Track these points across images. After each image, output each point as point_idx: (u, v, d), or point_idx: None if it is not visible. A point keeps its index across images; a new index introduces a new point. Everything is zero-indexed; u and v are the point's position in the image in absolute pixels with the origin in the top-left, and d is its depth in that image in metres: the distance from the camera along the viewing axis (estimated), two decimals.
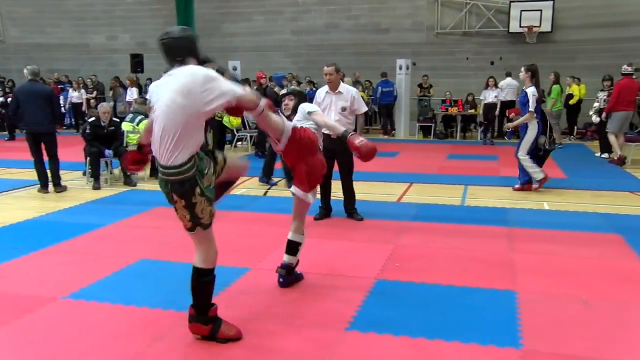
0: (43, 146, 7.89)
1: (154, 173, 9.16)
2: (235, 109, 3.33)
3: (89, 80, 18.08)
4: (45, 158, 7.91)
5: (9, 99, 15.18)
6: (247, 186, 8.50)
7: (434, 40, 17.37)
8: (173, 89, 3.13)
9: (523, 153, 7.94)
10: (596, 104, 11.93)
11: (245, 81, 15.56)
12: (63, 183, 8.12)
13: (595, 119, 11.77)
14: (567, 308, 3.94)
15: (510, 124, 8.85)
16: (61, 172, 8.14)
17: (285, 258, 4.29)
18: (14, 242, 5.52)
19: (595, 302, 4.04)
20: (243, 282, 4.46)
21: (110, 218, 6.29)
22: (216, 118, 10.73)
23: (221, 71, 3.87)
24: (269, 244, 5.39)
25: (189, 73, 3.15)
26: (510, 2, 16.14)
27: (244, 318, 3.75)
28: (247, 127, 12.17)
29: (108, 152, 8.41)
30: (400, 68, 15.87)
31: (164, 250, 5.13)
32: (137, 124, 8.80)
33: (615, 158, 10.53)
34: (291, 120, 4.14)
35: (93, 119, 8.61)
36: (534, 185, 8.06)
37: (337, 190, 6.61)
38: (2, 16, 20.94)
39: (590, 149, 12.64)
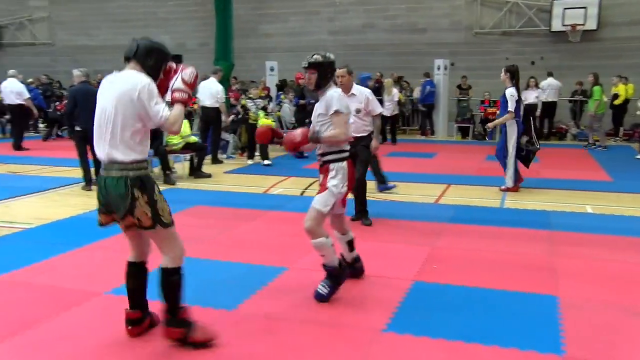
0: (88, 147, 8.10)
1: (193, 172, 9.31)
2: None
3: None
4: (90, 157, 8.12)
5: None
6: (284, 186, 8.54)
7: (472, 40, 17.14)
8: None
9: (512, 154, 7.93)
10: None
11: (283, 82, 15.75)
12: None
13: None
14: (611, 315, 3.84)
15: (490, 124, 8.88)
16: None
17: (348, 257, 4.40)
18: (60, 237, 5.68)
19: None
20: (280, 281, 4.48)
21: None
22: (250, 121, 10.82)
23: None
24: (306, 244, 5.40)
25: None
26: (553, 0, 15.80)
27: (281, 317, 3.78)
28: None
29: (149, 151, 8.56)
30: (439, 68, 15.73)
31: (200, 248, 5.20)
32: None
33: None
34: (317, 96, 4.06)
35: None
36: (502, 187, 8.05)
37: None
38: (52, 20, 21.60)
39: (636, 151, 12.26)
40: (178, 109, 3.26)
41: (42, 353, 3.28)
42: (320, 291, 4.02)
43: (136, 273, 3.45)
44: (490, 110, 14.97)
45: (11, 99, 12.67)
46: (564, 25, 15.68)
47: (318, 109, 4.08)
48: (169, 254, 3.26)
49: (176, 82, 3.33)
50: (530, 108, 13.82)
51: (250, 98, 10.97)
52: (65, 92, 15.91)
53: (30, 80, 16.28)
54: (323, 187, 3.99)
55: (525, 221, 6.32)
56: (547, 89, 13.96)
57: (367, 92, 6.03)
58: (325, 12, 18.55)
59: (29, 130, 15.41)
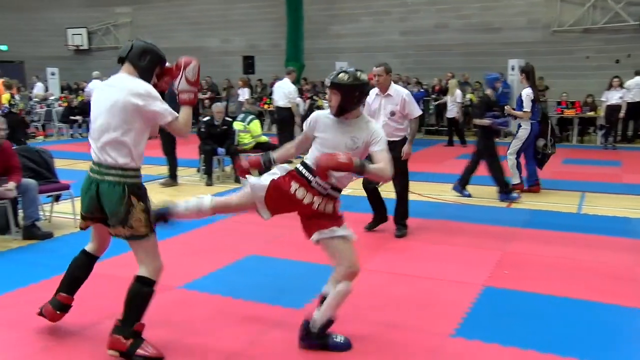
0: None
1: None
2: None
3: (203, 81, 19.00)
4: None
5: None
6: (353, 187, 8.52)
7: (550, 39, 16.49)
8: None
9: (512, 152, 7.88)
10: None
11: None
12: (178, 179, 8.64)
13: None
14: None
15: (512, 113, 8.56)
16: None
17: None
18: None
19: None
20: None
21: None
22: None
23: None
24: (374, 246, 5.39)
25: None
26: None
27: (348, 318, 3.77)
28: None
29: (221, 150, 8.81)
30: (513, 69, 15.24)
31: (269, 247, 5.28)
32: (248, 124, 9.14)
33: None
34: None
35: (208, 118, 9.05)
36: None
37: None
38: (134, 25, 22.61)
39: None
40: (186, 111, 3.19)
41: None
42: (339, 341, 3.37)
43: (87, 264, 3.50)
44: (567, 112, 14.38)
45: None
46: None
47: (344, 137, 3.25)
48: (150, 265, 3.18)
49: (181, 83, 3.21)
50: (613, 109, 13.17)
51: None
52: None
53: None
54: (337, 219, 3.37)
55: (605, 228, 6.02)
56: (634, 89, 13.19)
57: (405, 93, 5.65)
58: (396, 12, 18.40)
59: None
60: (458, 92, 13.81)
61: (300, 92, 13.08)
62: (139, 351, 3.10)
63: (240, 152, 9.10)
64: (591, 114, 14.32)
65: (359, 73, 3.20)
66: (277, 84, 11.06)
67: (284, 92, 10.59)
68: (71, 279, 3.49)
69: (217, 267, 4.80)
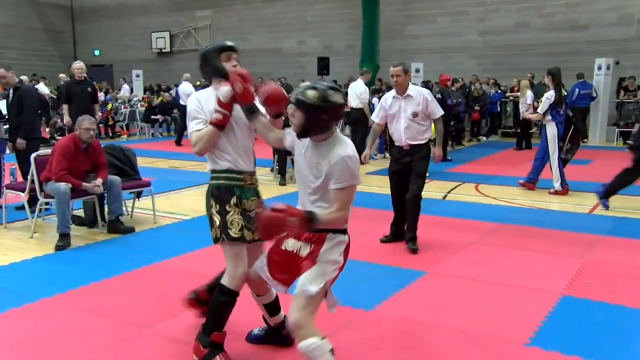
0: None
1: None
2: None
3: (278, 82, 19.35)
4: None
5: None
6: (426, 189, 8.41)
7: None
8: None
9: (554, 157, 7.87)
10: None
11: (425, 84, 15.55)
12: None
13: None
14: None
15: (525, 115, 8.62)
16: None
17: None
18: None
19: None
20: (418, 285, 4.43)
21: None
22: None
23: None
24: (447, 248, 5.30)
25: None
26: None
27: (418, 321, 3.73)
28: None
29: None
30: (599, 68, 14.47)
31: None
32: None
33: None
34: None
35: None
36: (550, 190, 7.93)
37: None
38: (213, 27, 23.36)
39: None
40: (205, 130, 3.00)
41: (193, 335, 3.54)
42: None
43: None
44: None
45: (183, 100, 14.12)
46: None
47: (311, 162, 2.73)
48: (227, 273, 3.04)
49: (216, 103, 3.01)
50: None
51: None
52: None
53: (198, 83, 17.78)
54: (311, 260, 2.72)
55: None
56: None
57: (426, 92, 5.37)
58: (475, 12, 17.95)
59: None
60: (529, 93, 13.27)
61: (378, 92, 13.01)
62: None
63: None
64: None
65: (331, 92, 2.64)
66: (351, 85, 11.09)
67: (356, 93, 10.63)
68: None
69: None
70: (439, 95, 10.90)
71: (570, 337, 3.48)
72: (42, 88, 16.86)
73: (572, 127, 8.01)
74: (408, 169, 5.30)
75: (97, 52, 25.87)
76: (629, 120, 14.26)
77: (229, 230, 2.99)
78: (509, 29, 17.40)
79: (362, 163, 5.04)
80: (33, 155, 5.78)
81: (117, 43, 25.54)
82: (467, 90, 15.12)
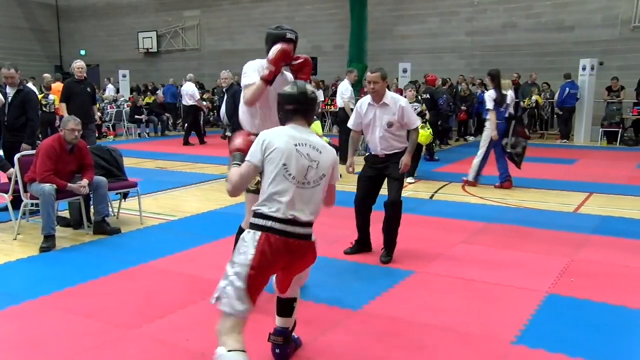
0: None
1: None
2: None
3: None
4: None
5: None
6: (414, 189, 8.45)
7: (630, 36, 15.61)
8: None
9: (482, 150, 8.43)
10: None
11: (413, 83, 15.59)
12: None
13: None
14: None
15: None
16: None
17: (278, 321, 3.18)
18: (200, 230, 6.07)
19: None
20: (407, 284, 4.44)
21: None
22: None
23: None
24: (435, 248, 5.32)
25: None
26: None
27: (406, 320, 3.74)
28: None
29: None
30: (584, 69, 14.61)
31: (332, 248, 5.26)
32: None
33: None
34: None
35: None
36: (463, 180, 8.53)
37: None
38: (201, 27, 23.28)
39: None
40: (257, 83, 3.82)
41: (180, 336, 3.53)
42: None
43: None
44: None
45: (186, 100, 14.17)
46: None
47: None
48: (247, 218, 3.52)
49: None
50: None
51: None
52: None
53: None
54: None
55: None
56: None
57: (403, 101, 5.03)
58: (463, 13, 18.04)
59: (207, 126, 17.02)
60: (510, 93, 13.35)
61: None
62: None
63: None
64: None
65: (303, 84, 3.03)
66: (339, 85, 11.15)
67: (340, 92, 10.73)
68: None
69: None
70: (427, 95, 10.94)
71: (555, 335, 3.51)
72: (31, 88, 16.70)
73: (514, 122, 8.39)
74: (382, 175, 5.06)
75: (83, 52, 25.64)
76: (613, 120, 14.40)
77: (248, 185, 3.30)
78: (497, 30, 17.51)
79: (348, 172, 5.09)
80: (17, 155, 5.72)
81: (103, 43, 25.37)
82: (455, 90, 15.21)
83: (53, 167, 5.44)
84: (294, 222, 2.79)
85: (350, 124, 5.29)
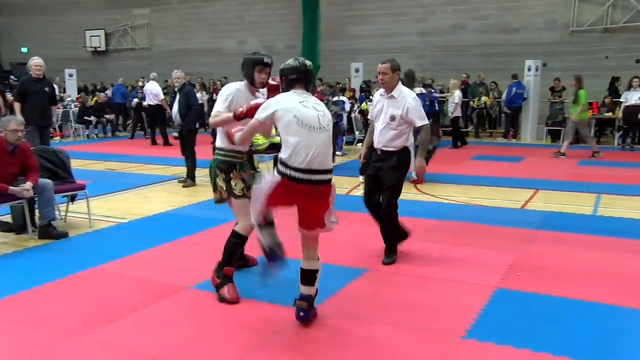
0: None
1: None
2: None
3: (218, 82, 19.10)
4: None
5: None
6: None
7: (569, 39, 16.26)
8: None
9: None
10: None
11: (366, 83, 15.75)
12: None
13: None
14: None
15: None
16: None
17: (303, 289, 3.64)
18: (150, 232, 5.98)
19: None
20: (360, 283, 4.47)
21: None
22: None
23: None
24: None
25: None
26: None
27: (360, 318, 3.77)
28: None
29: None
30: (529, 69, 15.11)
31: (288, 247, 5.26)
32: None
33: None
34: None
35: None
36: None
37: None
38: (151, 27, 22.83)
39: None
40: (225, 115, 4.07)
41: (131, 341, 3.46)
42: None
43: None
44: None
45: (150, 100, 13.85)
46: None
47: None
48: (240, 223, 4.04)
49: None
50: (632, 110, 12.93)
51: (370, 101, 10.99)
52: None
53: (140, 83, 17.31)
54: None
55: (621, 230, 5.95)
56: None
57: (411, 97, 4.82)
58: (414, 14, 18.30)
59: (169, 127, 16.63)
60: (457, 92, 13.72)
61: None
62: (222, 290, 4.00)
63: (254, 152, 9.12)
64: (609, 114, 14.14)
65: (302, 59, 3.74)
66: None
67: None
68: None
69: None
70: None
71: (503, 328, 3.61)
72: None
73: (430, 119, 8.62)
74: (379, 176, 4.92)
75: (24, 49, 24.68)
76: (557, 119, 14.92)
77: (234, 190, 4.01)
78: (447, 30, 17.85)
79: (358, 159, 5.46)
80: None
81: (47, 40, 24.45)
82: None
83: None
84: (311, 171, 3.36)
85: (370, 115, 5.27)
